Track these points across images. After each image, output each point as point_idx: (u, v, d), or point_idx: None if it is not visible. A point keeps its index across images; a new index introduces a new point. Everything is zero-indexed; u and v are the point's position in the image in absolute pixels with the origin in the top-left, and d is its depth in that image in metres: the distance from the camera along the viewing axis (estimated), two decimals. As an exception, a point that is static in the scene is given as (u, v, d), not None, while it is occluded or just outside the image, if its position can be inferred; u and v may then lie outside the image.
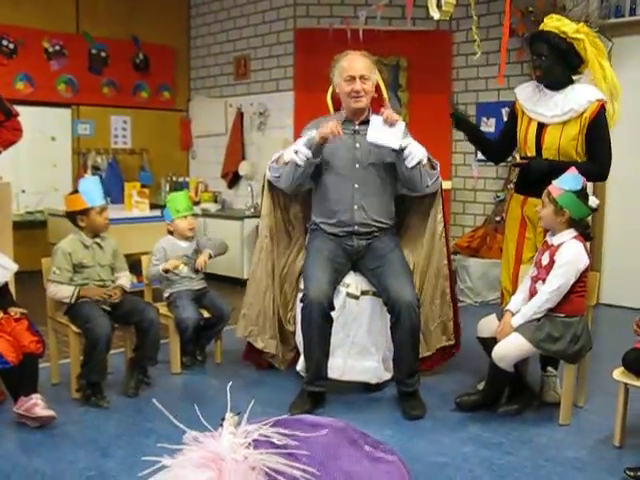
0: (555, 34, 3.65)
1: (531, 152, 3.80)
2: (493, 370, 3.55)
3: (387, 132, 3.66)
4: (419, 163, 3.77)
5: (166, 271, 4.38)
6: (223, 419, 1.81)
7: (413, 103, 7.21)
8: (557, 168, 3.58)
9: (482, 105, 7.04)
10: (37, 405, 3.44)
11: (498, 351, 3.48)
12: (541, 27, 3.73)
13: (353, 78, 3.77)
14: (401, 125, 3.68)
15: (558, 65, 3.69)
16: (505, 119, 4.24)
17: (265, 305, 4.19)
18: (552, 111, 3.72)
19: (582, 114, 3.66)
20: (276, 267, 4.23)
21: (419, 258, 4.16)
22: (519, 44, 6.36)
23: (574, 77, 3.80)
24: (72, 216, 4.00)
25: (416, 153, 3.75)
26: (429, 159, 3.88)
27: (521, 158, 3.85)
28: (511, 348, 3.46)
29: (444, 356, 4.32)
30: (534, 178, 3.69)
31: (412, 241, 4.20)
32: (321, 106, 4.58)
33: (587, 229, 3.57)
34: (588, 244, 3.57)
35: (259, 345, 4.23)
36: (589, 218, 3.64)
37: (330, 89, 4.48)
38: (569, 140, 3.68)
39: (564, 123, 3.69)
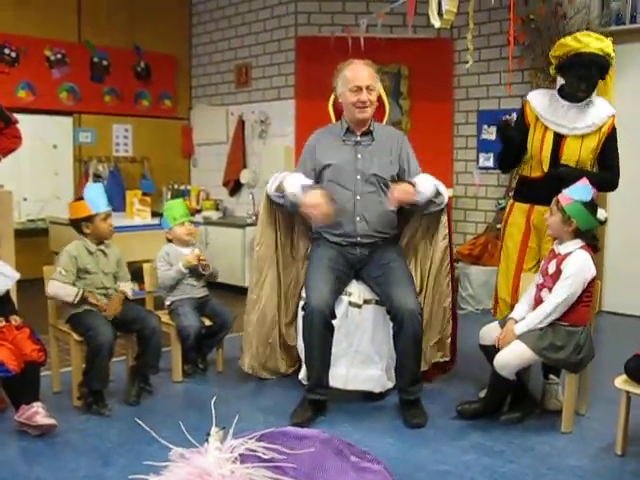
0: (602, 57, 3.64)
1: (546, 162, 3.76)
2: (495, 378, 3.54)
3: None
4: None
5: (189, 268, 4.39)
6: (208, 434, 1.81)
7: (414, 111, 7.22)
8: (585, 177, 3.56)
9: (483, 112, 7.04)
10: (38, 413, 3.43)
11: (500, 359, 3.47)
12: (581, 46, 3.61)
13: (360, 89, 3.76)
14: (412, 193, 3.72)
15: (597, 84, 3.74)
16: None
17: (266, 333, 4.23)
18: (573, 123, 3.72)
19: (601, 128, 3.71)
20: (282, 283, 4.25)
21: (424, 272, 4.16)
22: (520, 52, 6.37)
23: None
24: (76, 223, 4.00)
25: (423, 195, 3.76)
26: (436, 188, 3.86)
27: (554, 167, 3.75)
28: (513, 356, 3.45)
29: (438, 371, 4.30)
30: (566, 186, 3.60)
31: (417, 255, 4.19)
32: (322, 114, 4.58)
33: (594, 240, 3.56)
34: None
35: (264, 376, 4.29)
36: (596, 230, 3.63)
37: (332, 97, 4.48)
38: (588, 153, 3.72)
39: (583, 136, 3.71)
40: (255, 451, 1.77)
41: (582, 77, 3.66)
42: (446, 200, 3.98)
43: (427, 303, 4.12)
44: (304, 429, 2.02)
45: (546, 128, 3.78)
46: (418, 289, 4.07)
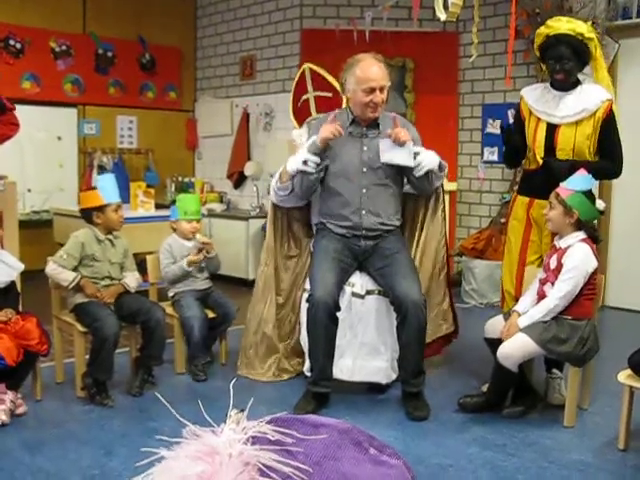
0: (574, 36, 3.63)
1: (540, 153, 3.77)
2: (498, 370, 3.54)
3: (398, 150, 3.68)
4: (429, 171, 3.78)
5: (189, 264, 4.38)
6: (227, 415, 1.83)
7: (419, 104, 7.21)
8: (579, 167, 3.58)
9: (488, 106, 7.03)
10: (4, 403, 3.48)
11: (503, 350, 3.47)
12: (551, 30, 3.67)
13: (373, 90, 3.70)
14: (410, 142, 3.68)
15: (577, 67, 3.71)
16: (511, 122, 4.20)
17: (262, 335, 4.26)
18: (563, 112, 3.72)
19: (595, 113, 3.68)
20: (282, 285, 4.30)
21: (418, 242, 4.17)
22: (525, 46, 6.35)
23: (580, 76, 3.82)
24: (87, 212, 4.02)
25: (426, 163, 3.75)
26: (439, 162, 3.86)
27: (542, 159, 3.77)
28: (516, 347, 3.45)
29: (443, 343, 4.32)
30: (559, 178, 3.61)
31: (415, 228, 4.21)
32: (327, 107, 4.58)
33: (595, 232, 3.56)
34: (595, 247, 3.56)
35: (256, 377, 4.25)
36: (595, 221, 3.63)
37: (291, 105, 4.56)
38: (584, 139, 3.69)
39: (577, 123, 3.70)
40: (266, 434, 1.78)
41: (554, 57, 3.68)
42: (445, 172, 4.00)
43: (423, 276, 4.09)
44: (324, 417, 2.02)
45: (539, 119, 3.80)
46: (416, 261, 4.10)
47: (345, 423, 2.03)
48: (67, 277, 3.88)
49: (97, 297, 3.90)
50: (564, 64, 3.66)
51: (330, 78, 4.87)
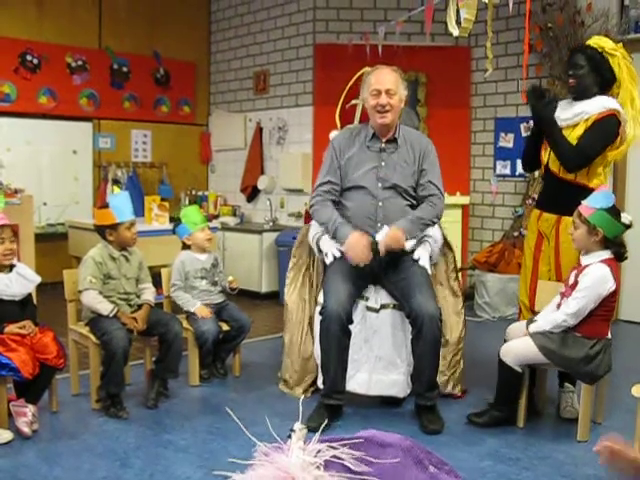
0: (592, 47, 3.77)
1: (547, 152, 3.85)
2: (501, 369, 3.59)
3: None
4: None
5: (195, 311, 4.42)
6: (292, 430, 1.79)
7: (432, 118, 7.23)
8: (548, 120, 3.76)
9: (500, 120, 7.05)
10: (25, 416, 3.50)
11: (505, 346, 3.59)
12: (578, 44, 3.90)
13: (379, 92, 3.77)
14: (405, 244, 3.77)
15: (590, 75, 3.76)
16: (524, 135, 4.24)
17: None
18: (565, 115, 3.79)
19: (591, 117, 3.72)
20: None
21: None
22: (537, 60, 6.37)
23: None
24: (101, 229, 4.06)
25: (410, 243, 3.85)
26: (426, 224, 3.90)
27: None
28: (518, 346, 3.53)
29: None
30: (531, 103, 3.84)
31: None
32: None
33: (622, 248, 3.49)
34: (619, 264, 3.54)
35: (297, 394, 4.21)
36: (624, 237, 3.56)
37: (339, 106, 4.53)
38: (573, 140, 3.73)
39: (574, 126, 3.76)
40: (341, 459, 1.73)
41: (569, 64, 3.83)
42: (439, 239, 4.04)
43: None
44: (388, 434, 1.99)
45: None
46: None
47: (406, 440, 2.00)
48: (106, 307, 3.89)
49: (134, 326, 3.92)
50: (577, 69, 3.76)
51: None
